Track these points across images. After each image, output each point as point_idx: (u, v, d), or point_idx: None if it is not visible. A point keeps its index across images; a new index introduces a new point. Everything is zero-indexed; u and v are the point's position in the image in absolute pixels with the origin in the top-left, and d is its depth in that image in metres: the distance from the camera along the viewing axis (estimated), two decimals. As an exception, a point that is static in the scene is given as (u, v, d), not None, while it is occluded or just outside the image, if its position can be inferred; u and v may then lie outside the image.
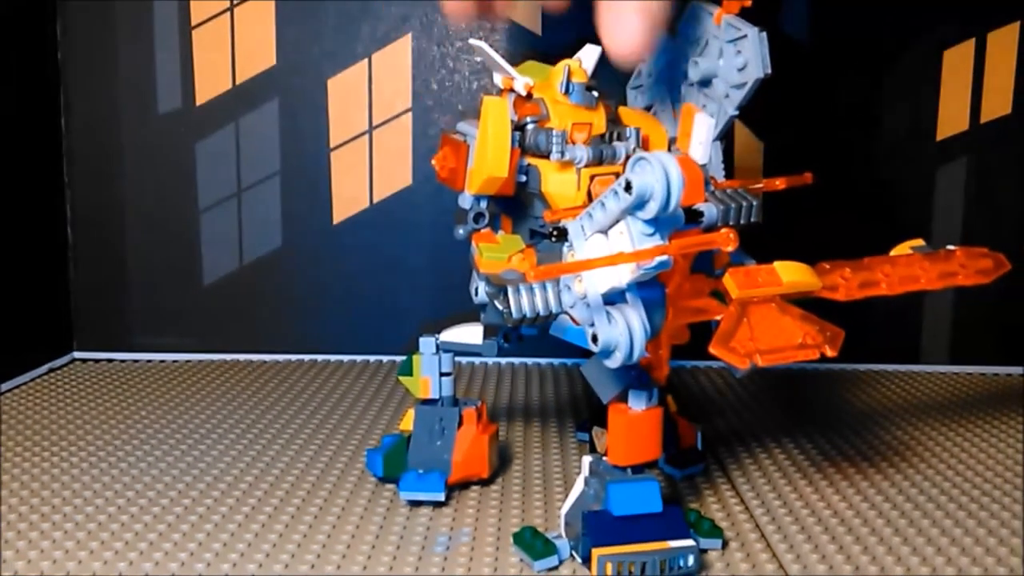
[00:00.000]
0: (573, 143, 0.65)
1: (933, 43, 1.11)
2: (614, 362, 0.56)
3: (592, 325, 0.56)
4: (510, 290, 0.60)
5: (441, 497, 0.71)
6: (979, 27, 1.11)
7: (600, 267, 0.55)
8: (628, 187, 0.52)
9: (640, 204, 0.53)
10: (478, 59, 1.11)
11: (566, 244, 0.58)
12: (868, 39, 1.11)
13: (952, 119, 1.12)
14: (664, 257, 0.53)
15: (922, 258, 0.69)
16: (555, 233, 0.58)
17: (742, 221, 0.64)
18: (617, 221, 0.55)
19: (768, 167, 1.13)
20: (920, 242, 0.71)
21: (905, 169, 1.13)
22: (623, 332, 0.55)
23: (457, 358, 0.75)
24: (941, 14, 1.11)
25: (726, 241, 0.53)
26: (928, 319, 1.15)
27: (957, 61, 1.11)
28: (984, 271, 0.71)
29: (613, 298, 0.56)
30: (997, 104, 1.11)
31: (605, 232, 0.56)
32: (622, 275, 0.54)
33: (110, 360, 1.16)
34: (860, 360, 1.14)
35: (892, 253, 0.70)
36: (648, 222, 0.53)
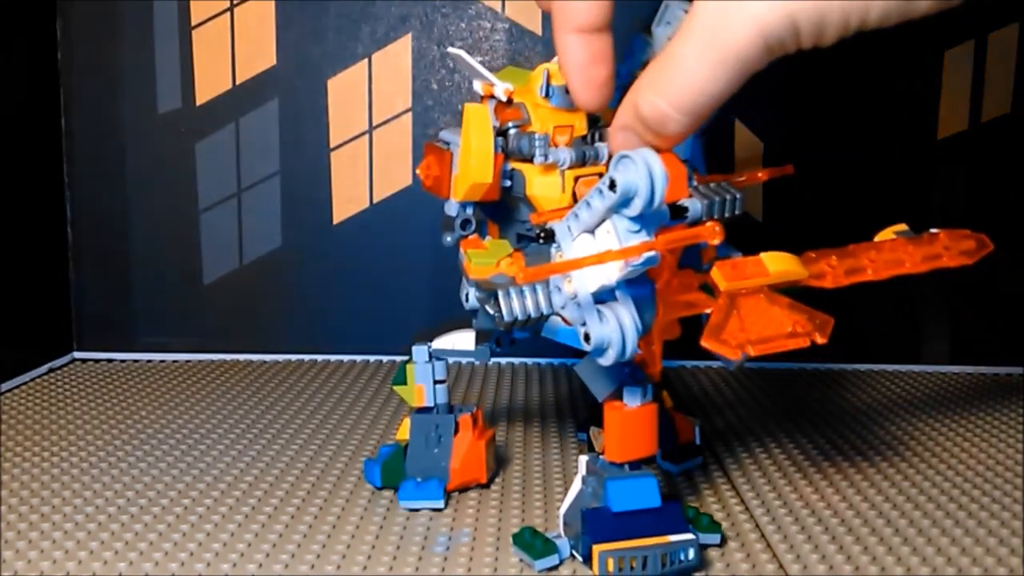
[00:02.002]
0: (556, 146, 0.65)
1: (933, 43, 1.11)
2: (607, 360, 0.57)
3: (584, 324, 0.57)
4: (500, 294, 0.60)
5: (440, 504, 0.71)
6: (979, 27, 1.11)
7: (588, 266, 0.55)
8: (612, 185, 0.53)
9: (625, 201, 0.53)
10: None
11: (554, 245, 0.58)
12: (868, 39, 1.11)
13: (952, 119, 1.12)
14: (652, 253, 0.54)
15: (906, 242, 0.69)
16: (542, 235, 0.58)
17: (726, 214, 0.64)
18: (603, 220, 0.55)
19: (768, 166, 1.13)
20: (903, 227, 0.71)
21: (905, 169, 1.13)
22: (615, 330, 0.56)
23: (455, 359, 0.75)
24: (941, 14, 1.10)
25: (712, 234, 0.53)
26: (928, 319, 1.15)
27: (957, 61, 1.11)
28: (967, 252, 0.71)
29: (603, 296, 0.57)
30: (997, 104, 1.11)
31: (592, 231, 0.56)
32: (611, 273, 0.55)
33: (110, 360, 1.17)
34: (860, 360, 1.14)
35: (876, 239, 0.70)
36: (634, 219, 0.54)
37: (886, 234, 0.70)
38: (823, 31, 0.50)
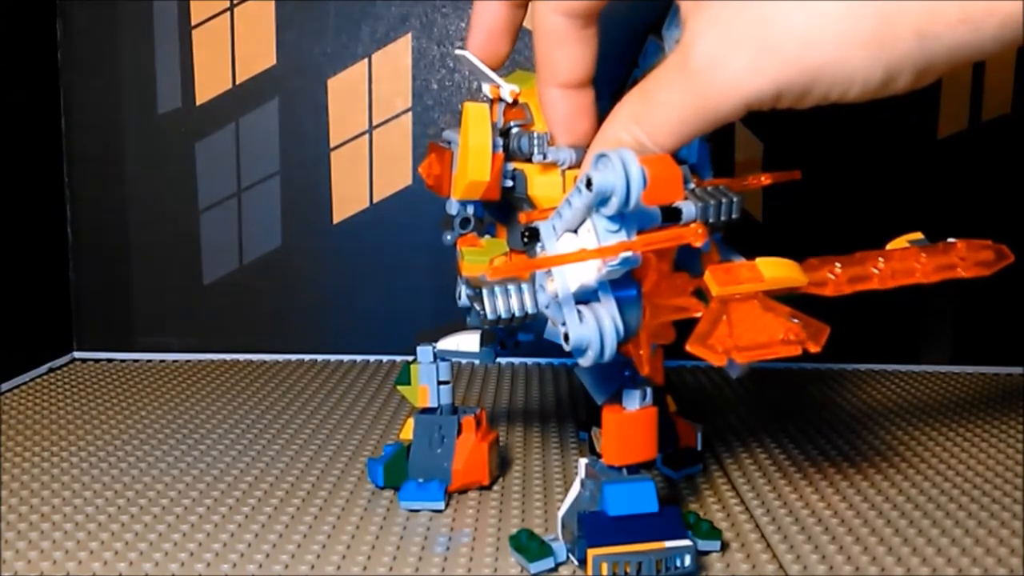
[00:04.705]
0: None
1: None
2: (586, 361, 0.56)
3: (564, 324, 0.56)
4: (485, 292, 0.60)
5: (441, 506, 0.71)
6: (979, 27, 1.11)
7: (560, 264, 0.55)
8: (589, 184, 0.52)
9: (602, 201, 0.53)
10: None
11: (539, 245, 0.58)
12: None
13: (952, 119, 1.12)
14: (629, 253, 0.53)
15: (919, 251, 0.68)
16: (527, 234, 0.58)
17: (722, 218, 0.64)
18: (584, 219, 0.55)
19: (768, 167, 1.13)
20: (918, 235, 0.70)
21: (905, 169, 1.13)
22: (593, 331, 0.55)
23: (457, 359, 0.75)
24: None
25: (693, 236, 0.53)
26: (928, 319, 1.15)
27: (957, 61, 1.11)
28: (985, 263, 0.69)
29: (587, 297, 0.56)
30: (997, 104, 1.11)
31: (575, 231, 0.56)
32: (590, 273, 0.55)
33: (110, 360, 1.17)
34: (860, 360, 1.14)
35: (889, 247, 0.69)
36: (613, 219, 0.53)
37: (899, 242, 0.69)
38: (803, 100, 0.53)
